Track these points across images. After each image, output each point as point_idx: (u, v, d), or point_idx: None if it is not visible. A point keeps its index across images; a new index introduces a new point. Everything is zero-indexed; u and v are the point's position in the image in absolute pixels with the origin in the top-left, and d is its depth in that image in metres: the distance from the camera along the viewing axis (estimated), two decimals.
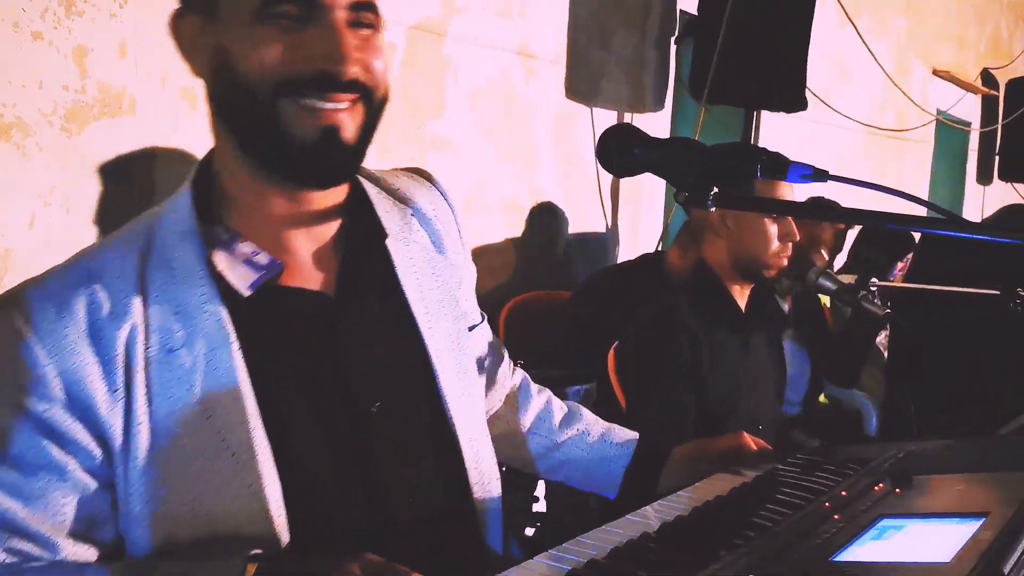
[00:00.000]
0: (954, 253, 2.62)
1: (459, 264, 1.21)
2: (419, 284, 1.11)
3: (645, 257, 2.93)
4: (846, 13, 4.37)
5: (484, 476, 1.13)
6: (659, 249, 3.35)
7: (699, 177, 1.01)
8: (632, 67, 3.69)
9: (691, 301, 2.10)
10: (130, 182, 2.13)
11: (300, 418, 0.99)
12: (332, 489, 1.00)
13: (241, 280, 0.98)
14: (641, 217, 3.90)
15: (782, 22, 3.42)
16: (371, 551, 0.86)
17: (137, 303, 0.95)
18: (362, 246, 1.08)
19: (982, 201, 7.22)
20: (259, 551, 0.89)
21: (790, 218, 2.11)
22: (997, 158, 6.36)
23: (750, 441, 1.35)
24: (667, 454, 1.36)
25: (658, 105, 3.85)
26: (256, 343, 0.98)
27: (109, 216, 2.10)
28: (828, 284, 2.39)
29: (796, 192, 2.14)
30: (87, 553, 0.95)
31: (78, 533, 0.94)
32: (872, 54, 4.66)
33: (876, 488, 1.05)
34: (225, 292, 0.98)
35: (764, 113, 4.10)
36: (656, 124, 3.87)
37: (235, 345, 0.96)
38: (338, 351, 1.03)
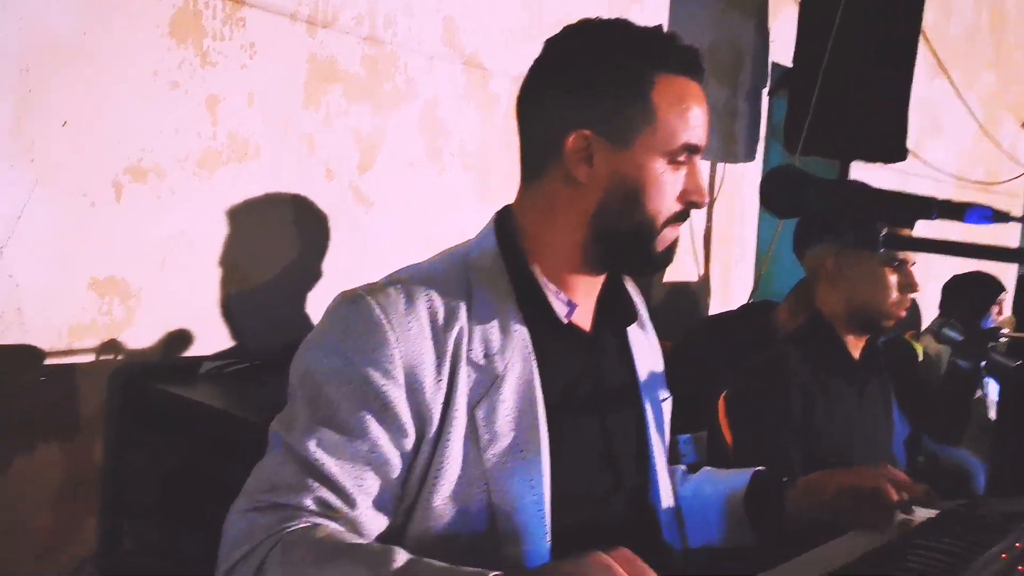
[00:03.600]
0: None
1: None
2: (640, 349, 1.32)
3: (746, 307, 2.90)
4: (940, 64, 4.33)
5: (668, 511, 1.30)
6: (752, 300, 3.32)
7: (865, 217, 1.00)
8: (724, 119, 3.70)
9: (804, 351, 2.08)
10: (254, 224, 2.20)
11: (570, 429, 1.16)
12: (582, 480, 1.17)
13: (560, 309, 1.18)
14: (733, 267, 3.89)
15: (882, 72, 3.41)
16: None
17: (463, 312, 1.12)
18: (614, 313, 1.28)
19: None
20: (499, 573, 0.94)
21: (911, 268, 2.07)
22: None
23: (890, 489, 1.31)
24: (788, 481, 1.36)
25: (749, 156, 3.85)
26: (544, 361, 1.15)
27: (234, 256, 2.16)
28: (954, 335, 2.33)
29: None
30: (376, 519, 1.06)
31: (373, 500, 1.06)
32: (966, 105, 4.61)
33: None
34: (526, 316, 1.16)
35: (853, 164, 4.06)
36: (747, 175, 3.87)
37: (535, 362, 1.14)
38: (600, 378, 1.23)
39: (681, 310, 3.61)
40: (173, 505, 1.91)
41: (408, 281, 1.13)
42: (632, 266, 1.24)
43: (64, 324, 1.91)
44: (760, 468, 1.40)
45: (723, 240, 3.82)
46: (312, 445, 1.04)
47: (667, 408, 1.37)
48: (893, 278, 2.07)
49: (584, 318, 1.24)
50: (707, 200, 1.18)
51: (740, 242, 3.95)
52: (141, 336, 2.03)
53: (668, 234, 1.17)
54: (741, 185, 3.87)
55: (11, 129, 1.81)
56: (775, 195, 1.19)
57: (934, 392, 3.17)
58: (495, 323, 1.14)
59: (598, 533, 1.17)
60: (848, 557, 1.10)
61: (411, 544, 1.08)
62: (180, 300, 2.08)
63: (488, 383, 1.10)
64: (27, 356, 1.87)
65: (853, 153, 3.69)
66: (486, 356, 1.11)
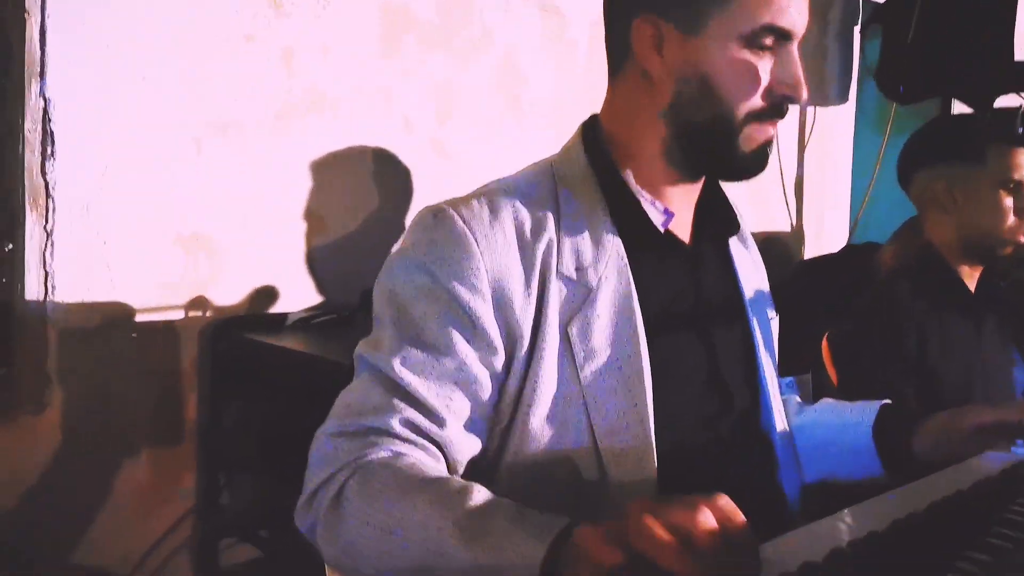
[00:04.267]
0: None
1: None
2: (743, 263, 1.24)
3: (848, 249, 2.77)
4: None
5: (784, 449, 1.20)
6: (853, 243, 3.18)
7: None
8: (814, 59, 3.54)
9: (915, 285, 1.95)
10: (334, 177, 2.17)
11: (671, 345, 1.08)
12: (688, 399, 1.09)
13: (656, 217, 1.10)
14: (826, 216, 3.73)
15: (983, 3, 3.21)
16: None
17: (552, 223, 1.06)
18: (714, 223, 1.20)
19: None
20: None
21: None
22: None
23: None
24: (919, 417, 1.26)
25: (842, 98, 3.68)
26: (641, 274, 1.08)
27: (317, 209, 2.14)
28: None
29: None
30: (467, 440, 1.01)
31: (464, 420, 1.00)
32: None
33: None
34: (619, 226, 1.09)
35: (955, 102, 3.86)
36: (840, 118, 3.71)
37: (631, 274, 1.07)
38: (699, 293, 1.15)
39: (772, 261, 3.47)
40: (268, 457, 1.89)
41: (493, 192, 1.08)
42: (718, 167, 1.12)
43: (153, 281, 1.91)
44: (887, 401, 1.31)
45: (815, 187, 3.67)
46: (398, 365, 0.99)
47: (775, 328, 1.29)
48: (1008, 201, 1.93)
49: (682, 229, 1.16)
50: (804, 94, 1.05)
51: (833, 189, 3.79)
52: (228, 292, 2.02)
53: (755, 133, 1.06)
54: (833, 128, 3.71)
55: (92, 86, 1.80)
56: None
57: None
58: (586, 234, 1.07)
59: (708, 458, 1.10)
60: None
61: (508, 469, 1.03)
62: (264, 255, 2.06)
63: (581, 298, 1.04)
64: (118, 313, 1.87)
65: (955, 90, 3.50)
66: (578, 269, 1.05)
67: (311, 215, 2.14)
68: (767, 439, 1.18)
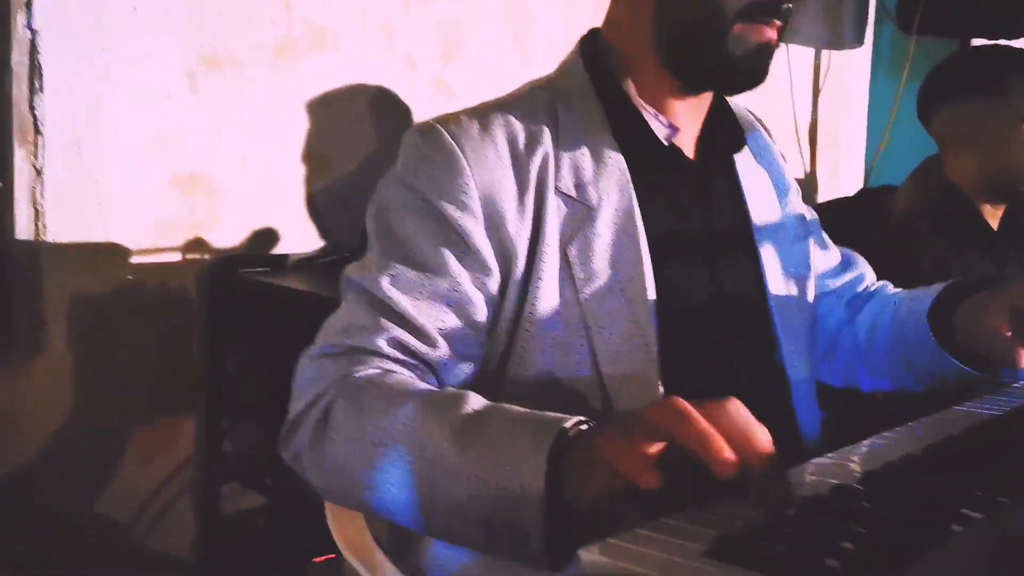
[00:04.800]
0: None
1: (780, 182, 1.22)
2: (753, 183, 1.16)
3: (864, 192, 2.70)
4: None
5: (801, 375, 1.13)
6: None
7: None
8: (829, 2, 3.44)
9: (935, 224, 1.89)
10: (337, 115, 2.10)
11: (677, 266, 1.04)
12: (695, 326, 1.04)
13: (659, 131, 1.05)
14: (840, 162, 3.65)
15: None
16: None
17: (548, 138, 1.01)
18: (720, 139, 1.13)
19: None
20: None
21: None
22: None
23: None
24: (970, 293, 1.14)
25: (858, 41, 3.58)
26: (644, 192, 1.02)
27: (319, 149, 2.08)
28: None
29: None
30: (461, 364, 0.97)
31: (456, 343, 0.96)
32: None
33: None
34: (621, 142, 1.04)
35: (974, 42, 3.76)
36: (856, 61, 3.61)
37: (633, 190, 1.02)
38: (704, 213, 1.09)
39: None
40: (271, 401, 1.84)
41: (485, 108, 1.03)
42: (709, 73, 1.05)
43: (148, 222, 1.86)
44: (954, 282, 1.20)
45: (830, 133, 3.59)
46: (387, 283, 0.95)
47: (802, 250, 1.20)
48: None
49: (688, 145, 1.10)
50: None
51: (848, 135, 3.70)
52: (227, 234, 1.96)
53: (748, 34, 1.00)
54: (849, 73, 3.61)
55: (81, 17, 1.74)
56: None
57: None
58: (585, 150, 1.02)
59: (716, 388, 1.03)
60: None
61: (506, 398, 0.96)
62: (264, 197, 2.00)
63: (581, 216, 0.99)
64: (112, 254, 1.82)
65: (975, 29, 3.40)
66: (577, 186, 1.00)
67: (312, 155, 2.07)
68: (781, 373, 1.12)
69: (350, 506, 1.01)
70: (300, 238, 2.06)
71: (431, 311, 0.94)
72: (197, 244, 1.92)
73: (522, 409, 0.81)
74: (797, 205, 1.25)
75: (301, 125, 2.05)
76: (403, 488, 0.82)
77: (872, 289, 1.35)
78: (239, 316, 1.88)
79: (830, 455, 0.79)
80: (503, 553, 0.78)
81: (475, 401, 0.84)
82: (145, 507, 1.90)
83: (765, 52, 1.02)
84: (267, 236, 2.02)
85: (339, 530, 1.08)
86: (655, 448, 0.68)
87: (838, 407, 1.32)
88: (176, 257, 1.90)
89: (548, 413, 0.79)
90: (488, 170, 0.97)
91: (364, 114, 2.17)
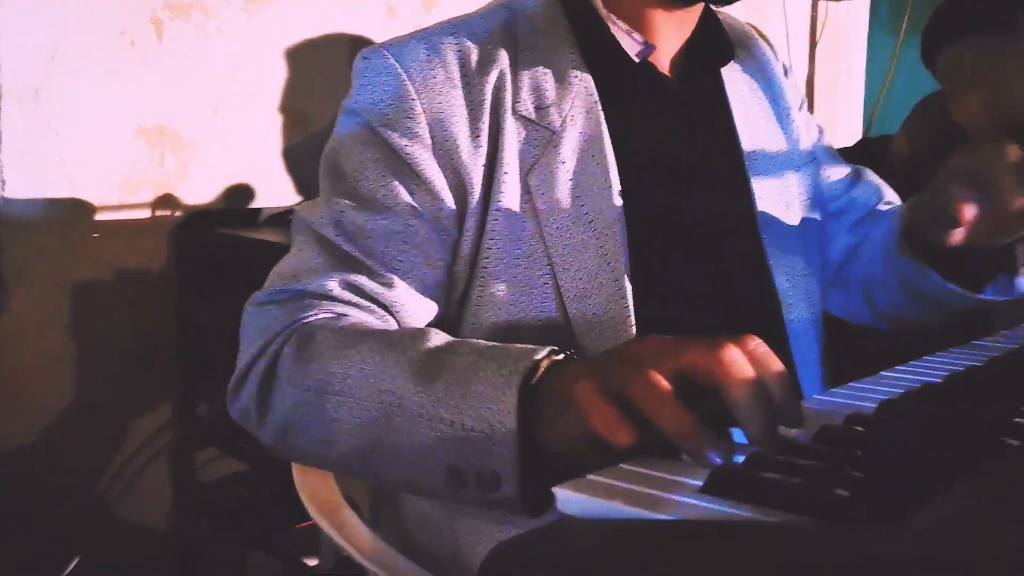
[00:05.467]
0: None
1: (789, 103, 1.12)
2: (747, 103, 1.07)
3: (863, 142, 2.62)
4: None
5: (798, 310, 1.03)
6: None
7: None
8: None
9: (941, 166, 1.81)
10: (314, 66, 2.00)
11: (652, 195, 0.95)
12: (672, 264, 0.95)
13: (630, 48, 0.96)
14: (839, 115, 3.56)
15: None
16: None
17: (505, 56, 0.92)
18: (704, 55, 1.04)
19: None
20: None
21: None
22: None
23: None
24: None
25: None
26: (615, 115, 0.94)
27: (296, 102, 1.98)
28: None
29: None
30: (421, 304, 0.89)
31: (414, 282, 0.88)
32: None
33: None
34: (589, 62, 0.95)
35: None
36: (853, 13, 3.52)
37: (602, 113, 0.93)
38: (685, 137, 1.00)
39: None
40: None
41: (435, 28, 0.94)
42: None
43: (114, 177, 1.77)
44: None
45: (828, 86, 3.49)
46: (334, 222, 0.88)
47: (806, 175, 1.10)
48: None
49: (668, 65, 1.00)
50: None
51: (847, 88, 3.61)
52: (198, 190, 1.87)
53: None
54: (847, 25, 3.51)
55: None
56: None
57: None
58: (547, 69, 0.93)
59: (699, 330, 0.95)
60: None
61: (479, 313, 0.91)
62: (237, 151, 1.91)
63: (543, 141, 0.90)
64: (76, 210, 1.73)
65: None
66: (538, 108, 0.91)
67: (288, 107, 1.98)
68: (775, 313, 1.02)
69: (304, 463, 0.93)
70: (277, 193, 1.97)
71: (384, 249, 0.87)
72: (166, 200, 1.83)
73: (488, 343, 0.74)
74: (803, 124, 1.14)
75: (276, 75, 1.96)
76: (359, 438, 0.75)
77: (886, 209, 1.20)
78: (211, 272, 1.80)
79: (839, 388, 0.71)
80: (472, 502, 0.70)
81: (437, 337, 0.77)
82: (119, 474, 1.82)
83: None
84: (241, 191, 1.93)
85: (307, 489, 1.00)
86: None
87: (845, 351, 1.24)
88: (145, 214, 1.81)
89: (517, 345, 0.71)
90: (436, 92, 0.89)
91: (343, 65, 2.07)
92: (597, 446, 0.60)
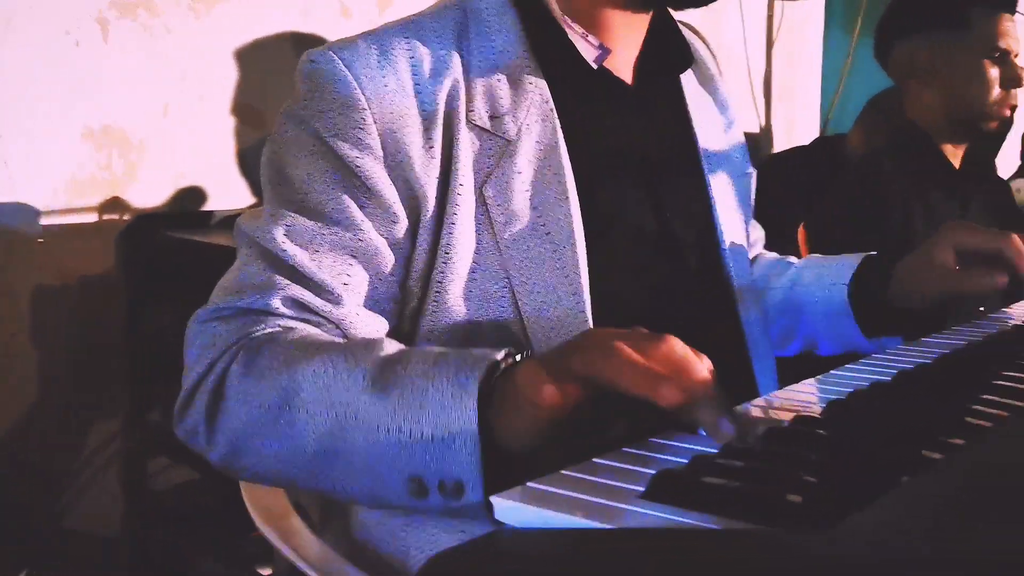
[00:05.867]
0: None
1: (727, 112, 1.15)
2: (702, 109, 1.07)
3: (819, 140, 2.63)
4: None
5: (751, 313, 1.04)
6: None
7: None
8: None
9: (896, 165, 1.81)
10: (267, 66, 1.97)
11: (610, 204, 0.93)
12: (632, 272, 0.94)
13: (587, 52, 0.94)
14: (796, 114, 3.58)
15: None
16: None
17: (458, 63, 0.89)
18: (663, 59, 1.03)
19: None
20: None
21: (1015, 59, 1.78)
22: None
23: (1020, 248, 0.97)
24: (894, 260, 1.08)
25: None
26: (571, 122, 0.92)
27: (249, 101, 1.95)
28: None
29: None
30: (371, 320, 0.85)
31: (364, 298, 0.85)
32: None
33: None
34: (544, 66, 0.92)
35: None
36: (809, 12, 3.54)
37: (558, 121, 0.90)
38: (644, 142, 0.98)
39: None
40: None
41: (384, 30, 0.90)
42: None
43: (59, 180, 1.73)
44: (872, 253, 1.13)
45: (785, 86, 3.51)
46: (280, 235, 0.83)
47: (750, 185, 1.12)
48: (994, 71, 1.78)
49: (624, 69, 0.98)
50: None
51: (804, 87, 3.63)
52: (147, 193, 1.83)
53: None
54: (803, 25, 3.53)
55: None
56: None
57: None
58: (502, 76, 0.90)
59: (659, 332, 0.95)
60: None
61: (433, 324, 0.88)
62: (188, 152, 1.87)
63: (498, 151, 0.88)
64: (20, 214, 1.69)
65: None
66: (492, 117, 0.88)
67: (240, 107, 1.95)
68: (733, 315, 1.02)
69: (256, 481, 0.90)
70: (230, 195, 1.94)
71: (333, 264, 0.83)
72: (114, 204, 1.79)
73: (442, 348, 0.73)
74: (739, 138, 1.15)
75: (227, 75, 1.93)
76: (315, 452, 0.73)
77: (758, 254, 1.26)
78: (161, 278, 1.76)
79: (791, 386, 0.70)
80: (434, 508, 0.69)
81: (390, 346, 0.75)
82: (70, 483, 1.78)
83: None
84: (193, 193, 1.89)
85: (254, 498, 0.98)
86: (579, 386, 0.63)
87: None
88: (92, 218, 1.77)
89: (472, 350, 0.70)
90: (388, 102, 0.85)
91: (295, 65, 2.04)
92: (560, 433, 0.61)
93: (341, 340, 0.82)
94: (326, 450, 0.72)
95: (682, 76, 1.05)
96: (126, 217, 1.80)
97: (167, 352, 1.76)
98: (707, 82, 1.11)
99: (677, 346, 0.62)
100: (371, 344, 0.75)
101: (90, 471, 1.80)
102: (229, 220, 1.83)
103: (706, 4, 0.97)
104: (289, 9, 2.01)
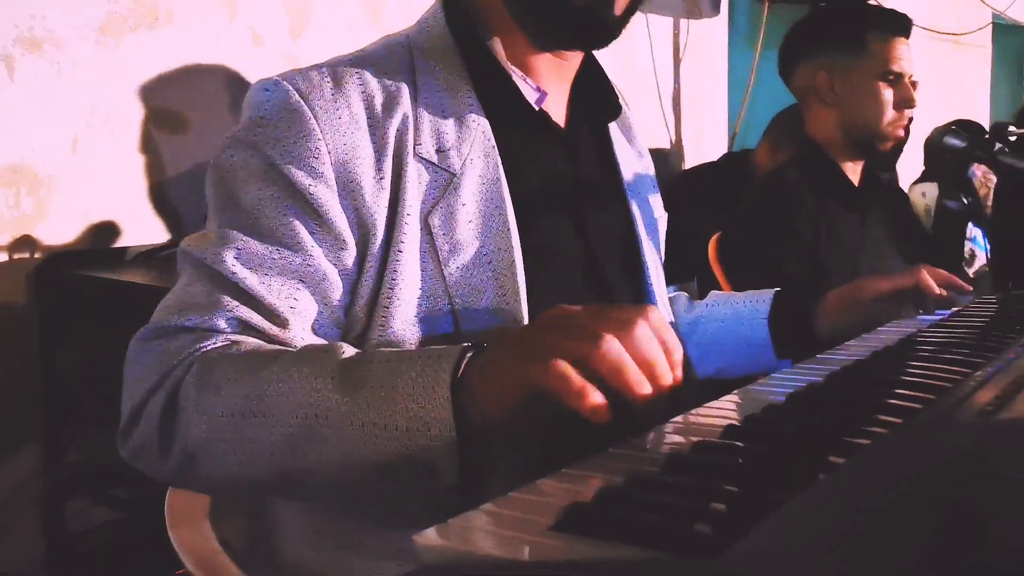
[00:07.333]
0: None
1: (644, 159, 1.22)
2: (624, 152, 1.13)
3: (726, 157, 2.72)
4: None
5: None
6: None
7: None
8: None
9: (800, 177, 1.89)
10: (174, 99, 1.96)
11: (546, 237, 0.98)
12: (566, 297, 0.95)
13: (530, 94, 0.99)
14: (705, 130, 3.68)
15: None
16: None
17: (407, 98, 0.92)
18: (594, 103, 1.09)
19: None
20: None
21: (908, 82, 1.88)
22: None
23: (930, 281, 1.17)
24: (816, 298, 1.22)
25: (714, 10, 3.61)
26: (510, 158, 0.96)
27: (155, 137, 1.93)
28: (956, 142, 2.13)
29: None
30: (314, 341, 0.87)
31: (311, 322, 0.87)
32: None
33: None
34: (485, 104, 0.96)
35: None
36: (714, 31, 3.64)
37: (500, 157, 0.95)
38: (575, 179, 1.03)
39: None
40: (116, 404, 1.71)
41: (337, 63, 0.93)
42: (548, 25, 0.96)
43: None
44: (778, 290, 1.24)
45: (693, 102, 3.61)
46: (230, 257, 0.84)
47: (663, 226, 1.19)
48: (888, 93, 1.88)
49: (556, 111, 1.03)
50: None
51: (712, 103, 3.73)
52: (58, 230, 1.80)
53: None
54: (708, 42, 3.64)
55: None
56: None
57: (926, 237, 3.02)
58: (448, 112, 0.94)
59: None
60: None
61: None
62: (99, 189, 1.85)
63: (443, 184, 0.91)
64: None
65: None
66: (439, 151, 0.92)
67: (150, 143, 1.93)
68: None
69: (213, 490, 0.92)
70: (143, 231, 1.92)
71: (281, 288, 0.85)
72: (24, 242, 1.76)
73: (398, 349, 0.77)
74: (650, 166, 1.23)
75: (136, 108, 1.91)
76: (282, 456, 0.75)
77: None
78: (75, 316, 1.73)
79: (688, 412, 0.74)
80: (407, 497, 0.73)
81: (348, 349, 0.78)
82: None
83: (605, 3, 0.95)
84: (105, 229, 1.87)
85: (179, 537, 0.98)
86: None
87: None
88: (2, 257, 1.74)
89: (436, 347, 0.75)
90: (342, 133, 0.87)
91: (209, 94, 2.03)
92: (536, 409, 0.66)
93: (295, 349, 0.84)
94: (294, 451, 0.74)
95: (613, 129, 1.11)
96: (37, 255, 1.77)
97: (81, 391, 1.74)
98: (627, 131, 1.17)
99: (614, 346, 0.67)
100: (330, 348, 0.78)
101: (7, 515, 1.76)
102: (143, 257, 1.82)
103: (604, 42, 1.01)
104: (199, 39, 2.00)
